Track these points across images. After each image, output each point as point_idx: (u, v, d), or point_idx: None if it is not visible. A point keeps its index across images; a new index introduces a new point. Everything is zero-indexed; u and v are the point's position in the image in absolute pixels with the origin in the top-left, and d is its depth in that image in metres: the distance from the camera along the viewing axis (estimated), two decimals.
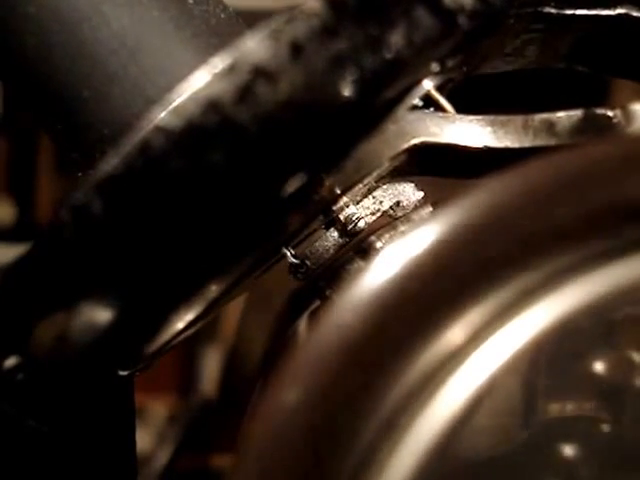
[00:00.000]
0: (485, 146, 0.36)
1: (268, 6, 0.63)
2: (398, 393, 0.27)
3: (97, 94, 0.33)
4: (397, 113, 0.34)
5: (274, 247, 0.36)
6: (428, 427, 0.27)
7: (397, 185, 0.36)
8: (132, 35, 0.33)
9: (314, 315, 0.41)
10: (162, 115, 0.28)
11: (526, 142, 0.36)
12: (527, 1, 0.36)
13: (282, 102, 0.28)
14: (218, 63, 0.28)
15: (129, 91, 0.33)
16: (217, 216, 0.29)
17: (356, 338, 0.26)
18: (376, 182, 0.36)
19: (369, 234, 0.36)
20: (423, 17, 0.29)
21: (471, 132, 0.36)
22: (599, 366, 0.29)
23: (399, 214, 0.36)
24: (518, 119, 0.37)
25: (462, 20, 0.29)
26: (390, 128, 0.35)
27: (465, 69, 0.36)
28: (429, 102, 0.36)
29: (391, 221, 0.36)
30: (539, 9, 0.36)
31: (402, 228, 0.36)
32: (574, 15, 0.37)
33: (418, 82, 0.32)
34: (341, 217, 0.36)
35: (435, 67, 0.31)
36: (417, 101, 0.36)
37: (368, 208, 0.36)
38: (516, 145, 0.36)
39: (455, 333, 0.27)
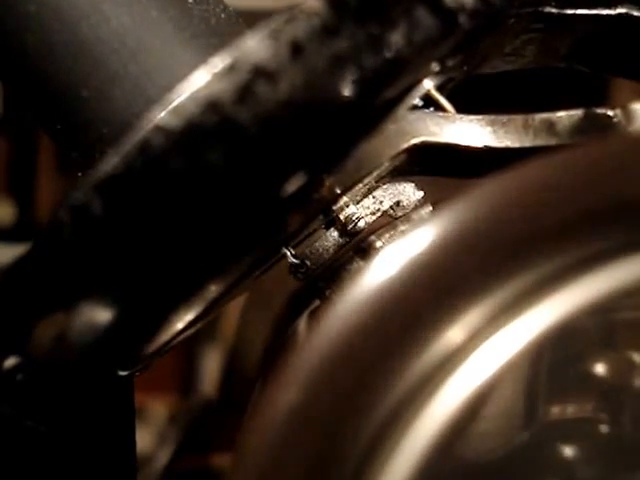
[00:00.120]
0: (485, 146, 0.36)
1: (268, 6, 0.63)
2: (398, 393, 0.27)
3: (97, 93, 0.33)
4: (397, 113, 0.34)
5: (274, 247, 0.36)
6: (428, 427, 0.27)
7: (397, 185, 0.36)
8: (132, 35, 0.33)
9: (314, 315, 0.41)
10: (162, 115, 0.28)
11: (526, 142, 0.36)
12: (527, 1, 0.36)
13: (282, 102, 0.28)
14: (218, 63, 0.28)
15: (129, 90, 0.33)
16: (217, 216, 0.29)
17: (356, 338, 0.26)
18: (376, 182, 0.36)
19: (369, 234, 0.36)
20: (424, 17, 0.29)
21: (471, 132, 0.36)
22: (599, 367, 0.29)
23: (399, 214, 0.36)
24: (518, 119, 0.37)
25: (462, 20, 0.29)
26: (390, 128, 0.35)
27: (465, 69, 0.36)
28: (429, 102, 0.36)
29: (391, 221, 0.36)
30: (539, 9, 0.36)
31: (402, 228, 0.36)
32: (574, 15, 0.37)
33: (418, 82, 0.32)
34: (341, 217, 0.36)
35: (435, 67, 0.31)
36: (417, 101, 0.36)
37: (368, 208, 0.36)
38: (516, 145, 0.36)
39: (455, 333, 0.27)
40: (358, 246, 0.36)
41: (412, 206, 0.36)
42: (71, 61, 0.33)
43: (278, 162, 0.29)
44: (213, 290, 0.34)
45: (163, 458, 0.80)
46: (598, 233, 0.27)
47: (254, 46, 0.28)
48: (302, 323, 0.42)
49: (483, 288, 0.27)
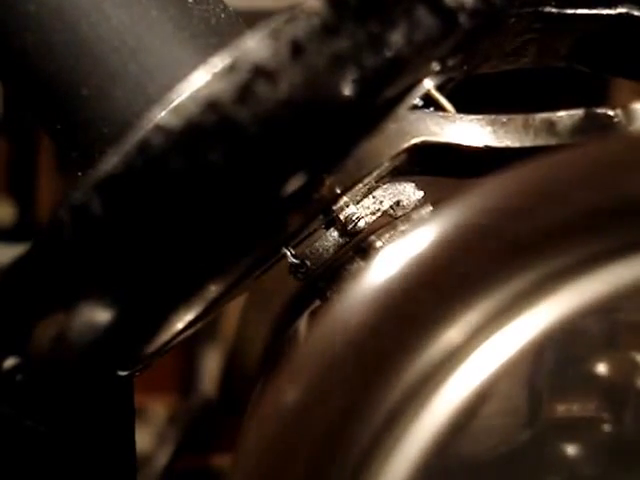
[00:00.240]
0: (485, 146, 0.36)
1: (268, 6, 0.63)
2: (398, 393, 0.27)
3: (97, 93, 0.33)
4: (397, 112, 0.34)
5: (274, 247, 0.36)
6: (428, 427, 0.27)
7: (397, 185, 0.36)
8: (132, 34, 0.33)
9: (314, 315, 0.41)
10: (162, 114, 0.28)
11: (527, 142, 0.36)
12: (528, 0, 0.36)
13: (282, 101, 0.28)
14: (218, 62, 0.28)
15: (129, 90, 0.33)
16: (217, 216, 0.29)
17: (356, 338, 0.26)
18: (376, 182, 0.36)
19: (369, 234, 0.36)
20: (424, 16, 0.29)
21: (471, 131, 0.36)
22: (600, 366, 0.29)
23: (399, 214, 0.36)
24: (519, 118, 0.37)
25: (463, 19, 0.29)
26: (390, 127, 0.35)
27: (465, 68, 0.36)
28: (429, 101, 0.36)
29: (391, 221, 0.36)
30: (540, 8, 0.36)
31: (402, 228, 0.36)
32: (575, 14, 0.37)
33: (418, 81, 0.32)
34: (341, 217, 0.35)
35: (435, 66, 0.31)
36: (417, 100, 0.36)
37: (368, 208, 0.36)
38: (516, 145, 0.36)
39: (455, 333, 0.27)
40: (358, 246, 0.36)
41: (412, 206, 0.36)
42: (71, 60, 0.33)
43: (278, 162, 0.29)
44: (213, 290, 0.34)
45: (163, 458, 0.80)
46: (598, 233, 0.27)
47: (254, 46, 0.28)
48: (302, 323, 0.42)
49: (483, 288, 0.27)
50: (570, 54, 0.39)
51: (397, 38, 0.29)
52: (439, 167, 0.37)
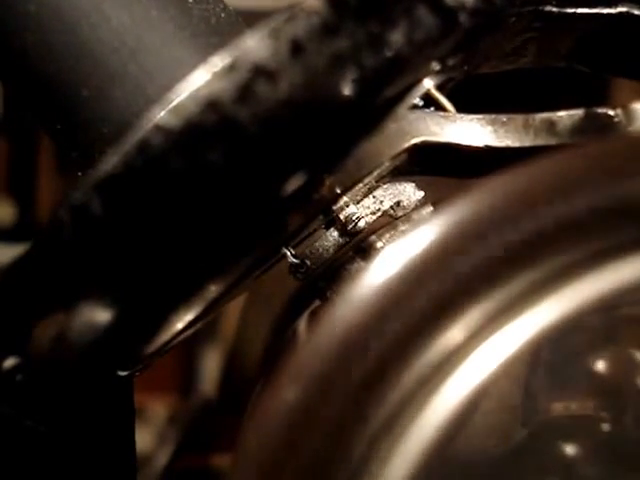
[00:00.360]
0: (486, 145, 0.36)
1: (268, 6, 0.63)
2: (398, 392, 0.27)
3: (97, 93, 0.33)
4: (397, 112, 0.33)
5: (274, 247, 0.36)
6: (428, 427, 0.27)
7: (397, 185, 0.36)
8: (132, 34, 0.33)
9: (314, 315, 0.41)
10: (162, 114, 0.28)
11: (527, 141, 0.36)
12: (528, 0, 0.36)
13: (282, 101, 0.28)
14: (218, 62, 0.28)
15: (129, 90, 0.33)
16: (216, 216, 0.29)
17: (356, 338, 0.26)
18: (376, 181, 0.36)
19: (369, 234, 0.36)
20: (424, 15, 0.29)
21: (472, 131, 0.36)
22: (600, 365, 0.29)
23: (399, 214, 0.36)
24: (519, 118, 0.37)
25: (463, 18, 0.29)
26: (390, 127, 0.35)
27: (466, 68, 0.36)
28: (429, 101, 0.36)
29: (391, 221, 0.36)
30: (540, 8, 0.36)
31: (402, 228, 0.36)
32: (575, 14, 0.37)
33: (419, 81, 0.32)
34: (341, 217, 0.35)
35: (436, 66, 0.31)
36: (417, 100, 0.36)
37: (368, 208, 0.36)
38: (517, 144, 0.36)
39: (455, 333, 0.27)
40: (358, 246, 0.36)
41: (412, 206, 0.36)
42: (71, 61, 0.33)
43: (278, 162, 0.29)
44: (213, 290, 0.34)
45: (163, 458, 0.80)
46: (598, 233, 0.27)
47: (254, 45, 0.28)
48: (302, 323, 0.42)
49: (483, 288, 0.27)
50: (570, 53, 0.39)
51: (397, 37, 0.29)
52: (439, 167, 0.37)
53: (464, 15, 0.29)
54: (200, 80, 0.28)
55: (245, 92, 0.28)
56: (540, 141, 0.36)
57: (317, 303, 0.39)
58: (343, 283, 0.36)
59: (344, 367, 0.26)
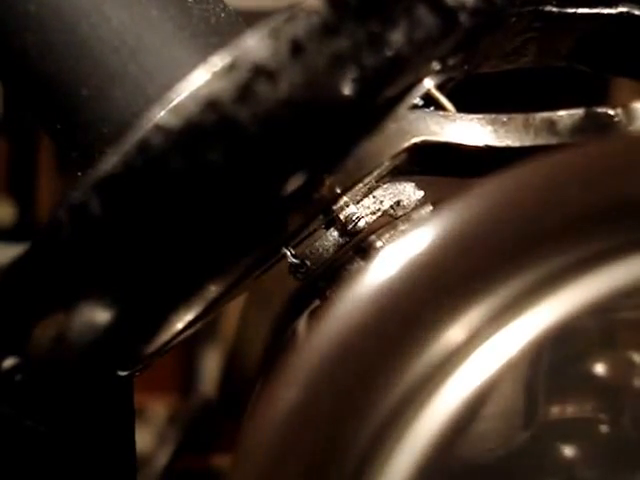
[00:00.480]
0: (486, 145, 0.36)
1: (268, 6, 0.63)
2: (398, 393, 0.27)
3: (97, 93, 0.33)
4: (398, 112, 0.33)
5: (274, 247, 0.36)
6: (428, 427, 0.27)
7: (397, 184, 0.36)
8: (132, 34, 0.33)
9: (314, 315, 0.41)
10: (161, 114, 0.28)
11: (527, 141, 0.36)
12: None
13: (282, 101, 0.28)
14: (218, 62, 0.28)
15: (129, 90, 0.33)
16: (216, 216, 0.29)
17: (356, 338, 0.26)
18: (376, 181, 0.36)
19: (369, 234, 0.36)
20: (424, 15, 0.29)
21: (472, 131, 0.36)
22: (599, 367, 0.29)
23: (399, 213, 0.36)
24: (519, 118, 0.36)
25: (463, 18, 0.29)
26: (390, 127, 0.35)
27: (466, 68, 0.36)
28: (430, 101, 0.36)
29: (391, 220, 0.36)
30: (540, 7, 0.36)
31: (402, 228, 0.36)
32: (575, 14, 0.37)
33: (419, 81, 0.32)
34: (341, 217, 0.35)
35: (436, 66, 0.31)
36: (418, 100, 0.36)
37: (368, 207, 0.36)
38: (517, 144, 0.36)
39: (455, 333, 0.27)
40: (358, 246, 0.36)
41: (412, 206, 0.36)
42: (71, 60, 0.33)
43: (278, 161, 0.29)
44: (213, 290, 0.34)
45: (163, 458, 0.80)
46: (598, 233, 0.27)
47: (254, 45, 0.28)
48: (302, 323, 0.42)
49: (483, 288, 0.27)
50: (570, 53, 0.39)
51: (397, 37, 0.29)
52: (439, 167, 0.37)
53: (464, 15, 0.29)
54: (200, 80, 0.28)
55: (245, 92, 0.28)
56: (540, 141, 0.36)
57: (317, 303, 0.39)
58: (343, 283, 0.36)
59: (344, 367, 0.26)
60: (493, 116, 0.36)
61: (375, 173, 0.36)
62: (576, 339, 0.29)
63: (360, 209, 0.36)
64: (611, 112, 0.37)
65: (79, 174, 0.34)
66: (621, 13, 0.37)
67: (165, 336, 0.34)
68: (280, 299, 0.49)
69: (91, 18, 0.33)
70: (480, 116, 0.36)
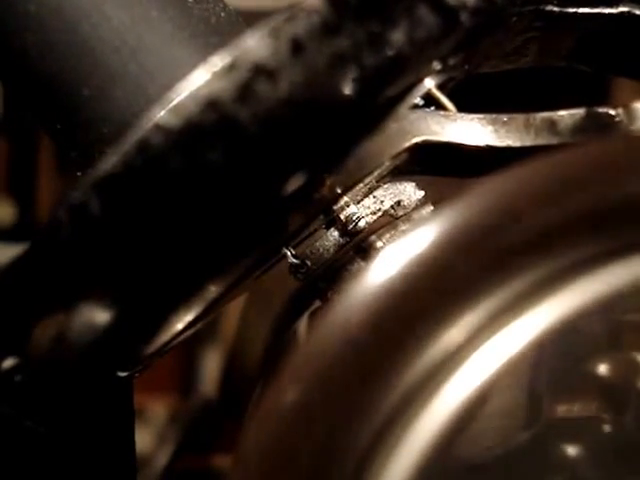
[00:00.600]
0: (486, 145, 0.36)
1: (268, 6, 0.63)
2: (398, 393, 0.27)
3: (97, 93, 0.33)
4: (398, 112, 0.33)
5: (274, 247, 0.36)
6: (428, 427, 0.27)
7: (398, 184, 0.36)
8: (133, 34, 0.33)
9: (314, 315, 0.41)
10: (161, 114, 0.28)
11: (528, 141, 0.36)
12: None
13: (282, 100, 0.28)
14: (218, 61, 0.28)
15: (129, 90, 0.33)
16: (216, 216, 0.29)
17: (356, 338, 0.26)
18: (377, 181, 0.36)
19: (370, 234, 0.36)
20: (425, 15, 0.29)
21: (472, 131, 0.36)
22: (601, 367, 0.29)
23: (400, 214, 0.36)
24: (520, 118, 0.36)
25: (464, 18, 0.29)
26: (391, 127, 0.35)
27: (466, 68, 0.36)
28: (430, 101, 0.36)
29: (392, 221, 0.36)
30: (541, 7, 0.36)
31: (403, 228, 0.36)
32: (576, 13, 0.37)
33: (419, 80, 0.32)
34: (342, 217, 0.35)
35: (436, 65, 0.31)
36: (418, 100, 0.36)
37: (369, 207, 0.36)
38: (518, 144, 0.36)
39: (455, 333, 0.27)
40: (359, 246, 0.36)
41: (413, 206, 0.36)
42: (71, 60, 0.33)
43: (278, 161, 0.29)
44: (213, 290, 0.34)
45: (163, 458, 0.80)
46: (599, 233, 0.27)
47: (254, 44, 0.28)
48: (303, 324, 0.42)
49: (484, 288, 0.27)
50: (571, 53, 0.39)
51: (398, 37, 0.29)
52: (440, 166, 0.37)
53: (465, 14, 0.29)
54: (200, 79, 0.28)
55: (245, 91, 0.28)
56: (541, 141, 0.36)
57: (317, 303, 0.39)
58: (343, 283, 0.36)
59: (344, 368, 0.26)
60: (494, 116, 0.36)
61: (376, 173, 0.36)
62: (576, 339, 0.29)
63: (361, 209, 0.36)
64: (612, 112, 0.37)
65: (79, 174, 0.34)
66: (622, 13, 0.37)
67: (165, 336, 0.34)
68: (280, 299, 0.49)
69: (91, 18, 0.33)
70: (481, 116, 0.36)
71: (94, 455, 0.35)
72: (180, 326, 0.34)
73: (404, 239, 0.27)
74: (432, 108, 0.37)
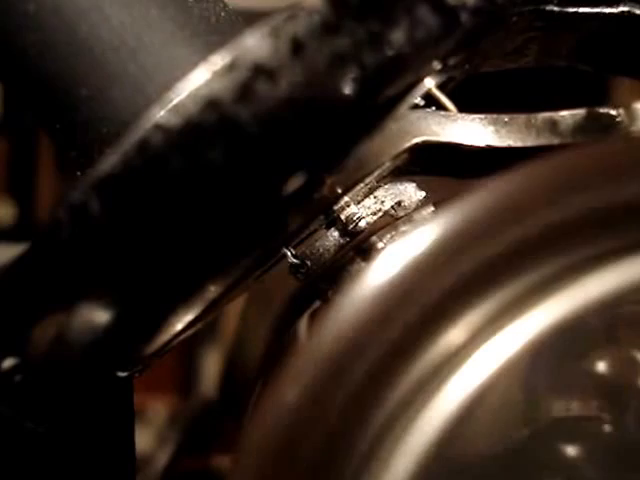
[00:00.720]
0: (487, 145, 0.36)
1: (268, 6, 0.63)
2: (398, 393, 0.27)
3: (96, 92, 0.33)
4: (398, 112, 0.33)
5: (274, 247, 0.36)
6: (429, 427, 0.27)
7: (398, 185, 0.36)
8: (132, 33, 0.33)
9: (315, 316, 0.41)
10: (161, 113, 0.28)
11: (529, 141, 0.36)
12: None
13: (282, 100, 0.28)
14: (218, 61, 0.28)
15: (128, 90, 0.33)
16: (216, 216, 0.29)
17: (357, 339, 0.26)
18: (377, 182, 0.36)
19: (370, 234, 0.36)
20: (425, 14, 0.29)
21: (473, 131, 0.36)
22: (601, 366, 0.29)
23: (400, 214, 0.36)
24: (521, 118, 0.36)
25: (464, 17, 0.29)
26: (391, 127, 0.35)
27: (467, 67, 0.36)
28: (431, 101, 0.36)
29: (392, 221, 0.36)
30: (541, 7, 0.36)
31: (403, 228, 0.36)
32: (576, 13, 0.37)
33: (420, 80, 0.32)
34: (342, 217, 0.35)
35: (437, 65, 0.31)
36: (419, 100, 0.36)
37: (369, 208, 0.36)
38: (519, 144, 0.36)
39: (456, 333, 0.27)
40: (359, 246, 0.36)
41: (413, 206, 0.36)
42: (71, 60, 0.33)
43: (278, 161, 0.29)
44: (213, 290, 0.34)
45: (163, 458, 0.80)
46: (600, 234, 0.27)
47: (254, 44, 0.28)
48: (303, 324, 0.42)
49: (485, 288, 0.27)
50: (572, 53, 0.39)
51: (398, 36, 0.29)
52: (441, 167, 0.37)
53: (465, 14, 0.29)
54: (200, 79, 0.28)
55: (245, 91, 0.28)
56: (542, 141, 0.36)
57: (318, 304, 0.39)
58: (344, 284, 0.36)
59: (345, 368, 0.26)
60: (495, 116, 0.36)
61: (376, 173, 0.36)
62: (577, 339, 0.29)
63: (361, 209, 0.36)
64: (613, 112, 0.37)
65: (79, 174, 0.34)
66: (622, 12, 0.37)
67: (165, 337, 0.34)
68: (280, 299, 0.49)
69: (91, 18, 0.33)
70: (482, 116, 0.36)
71: (94, 455, 0.35)
72: (180, 326, 0.34)
73: (405, 240, 0.27)
74: (432, 108, 0.37)
